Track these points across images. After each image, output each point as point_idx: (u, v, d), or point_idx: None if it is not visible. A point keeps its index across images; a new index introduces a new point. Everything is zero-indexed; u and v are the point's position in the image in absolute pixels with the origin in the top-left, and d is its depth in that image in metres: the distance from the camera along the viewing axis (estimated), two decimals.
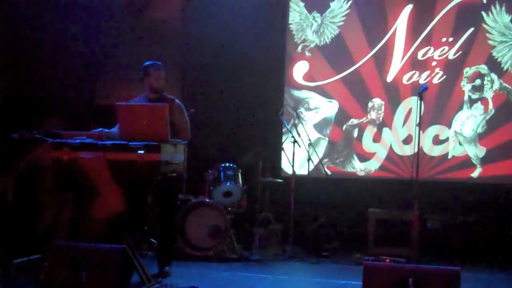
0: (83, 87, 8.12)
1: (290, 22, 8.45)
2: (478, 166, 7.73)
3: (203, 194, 7.07)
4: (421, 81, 7.85)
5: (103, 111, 7.06)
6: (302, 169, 7.82)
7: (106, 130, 5.35)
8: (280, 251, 7.12)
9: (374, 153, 8.11)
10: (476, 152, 7.76)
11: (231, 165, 7.23)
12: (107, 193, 4.93)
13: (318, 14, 8.35)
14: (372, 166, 8.10)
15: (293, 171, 7.40)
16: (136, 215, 5.49)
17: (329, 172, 7.93)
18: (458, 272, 4.16)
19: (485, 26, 7.77)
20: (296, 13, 8.44)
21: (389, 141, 8.05)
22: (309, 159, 7.53)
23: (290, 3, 8.46)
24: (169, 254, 5.89)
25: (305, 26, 8.39)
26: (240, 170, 7.28)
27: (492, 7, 7.75)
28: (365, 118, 8.15)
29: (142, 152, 4.77)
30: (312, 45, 8.35)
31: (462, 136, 7.82)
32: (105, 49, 8.33)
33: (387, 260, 6.54)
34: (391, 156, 8.03)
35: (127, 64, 8.07)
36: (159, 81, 5.76)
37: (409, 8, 8.02)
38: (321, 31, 8.33)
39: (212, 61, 8.35)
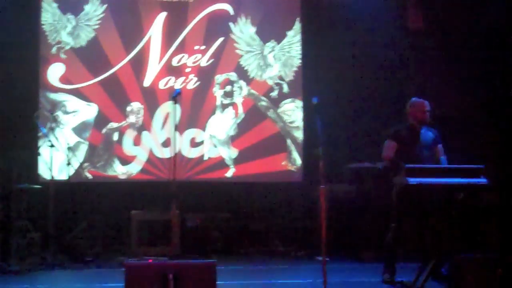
0: None
1: (43, 22, 8.16)
2: (231, 166, 8.35)
3: None
4: (177, 87, 8.21)
5: None
6: (62, 174, 7.63)
7: None
8: (40, 260, 6.86)
9: (135, 156, 8.25)
10: (229, 153, 8.37)
11: None
12: None
13: (73, 16, 8.21)
14: (134, 169, 8.23)
15: (52, 176, 7.18)
16: None
17: (90, 176, 7.84)
18: (214, 264, 4.53)
19: (233, 36, 8.44)
20: (49, 14, 8.18)
21: (149, 145, 8.27)
22: (68, 163, 7.37)
23: (42, 3, 8.17)
24: None
25: (59, 28, 8.18)
26: None
27: (239, 19, 8.45)
28: (124, 122, 8.25)
29: None
30: (68, 47, 8.18)
31: (216, 139, 8.37)
32: None
33: (150, 260, 6.72)
34: (152, 158, 8.26)
35: None
36: None
37: (163, 15, 8.33)
38: (77, 34, 8.20)
39: None
